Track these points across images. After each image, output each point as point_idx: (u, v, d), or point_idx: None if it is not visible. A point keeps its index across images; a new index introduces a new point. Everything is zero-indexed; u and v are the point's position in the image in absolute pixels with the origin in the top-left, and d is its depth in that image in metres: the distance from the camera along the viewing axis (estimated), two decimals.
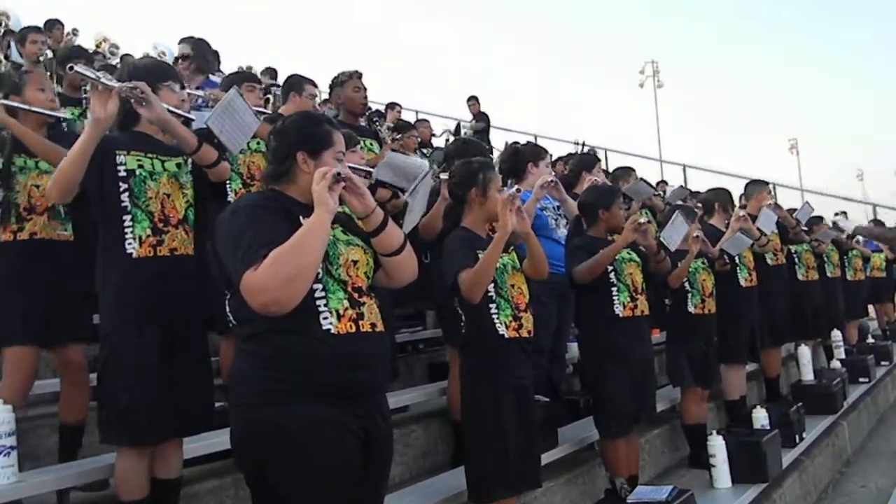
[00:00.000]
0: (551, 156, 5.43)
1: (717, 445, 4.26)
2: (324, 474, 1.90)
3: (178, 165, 2.66)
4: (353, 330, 1.95)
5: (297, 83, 4.28)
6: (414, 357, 5.20)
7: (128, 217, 2.50)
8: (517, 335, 2.98)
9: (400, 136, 5.21)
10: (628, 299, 3.75)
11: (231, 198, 3.49)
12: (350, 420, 1.93)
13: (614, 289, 3.73)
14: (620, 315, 3.72)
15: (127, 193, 2.50)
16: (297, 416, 1.88)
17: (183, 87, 2.82)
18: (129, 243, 2.49)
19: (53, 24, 7.86)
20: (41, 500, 2.78)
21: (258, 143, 3.69)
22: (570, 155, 7.37)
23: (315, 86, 4.52)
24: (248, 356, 1.97)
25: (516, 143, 4.97)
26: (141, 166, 2.55)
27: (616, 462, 3.74)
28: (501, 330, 2.94)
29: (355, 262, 2.03)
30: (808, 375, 6.32)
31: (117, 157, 2.52)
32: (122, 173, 2.51)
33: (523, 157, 4.38)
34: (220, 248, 1.94)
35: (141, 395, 2.41)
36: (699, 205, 5.57)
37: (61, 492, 2.71)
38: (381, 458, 2.07)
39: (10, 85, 3.20)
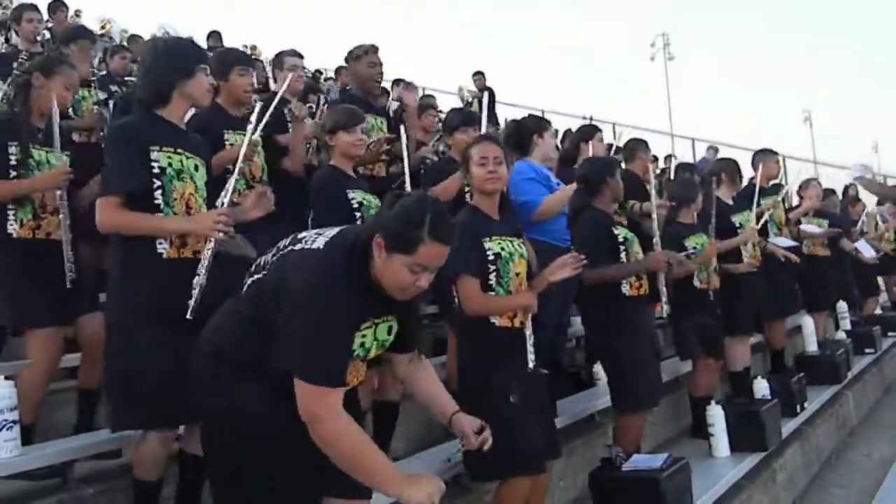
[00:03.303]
0: (557, 130, 5.44)
1: (716, 415, 4.31)
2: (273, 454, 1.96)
3: (196, 167, 2.58)
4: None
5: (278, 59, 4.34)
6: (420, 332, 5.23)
7: (160, 216, 2.46)
8: (510, 324, 2.93)
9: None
10: (634, 278, 3.79)
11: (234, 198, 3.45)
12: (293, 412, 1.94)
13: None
14: (626, 294, 3.77)
15: (160, 191, 2.46)
16: (244, 400, 1.96)
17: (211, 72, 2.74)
18: (161, 243, 2.45)
19: (57, 7, 7.89)
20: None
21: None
22: (568, 131, 7.35)
23: (300, 56, 4.51)
24: (220, 336, 2.06)
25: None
26: (170, 164, 2.49)
27: (636, 436, 3.78)
28: (493, 318, 2.91)
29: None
30: (811, 346, 6.35)
31: (151, 152, 2.46)
32: (156, 170, 2.46)
33: (527, 129, 4.36)
34: (295, 317, 1.88)
35: (159, 382, 2.38)
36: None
37: (65, 463, 2.77)
38: None
39: (42, 64, 3.19)
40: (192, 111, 2.91)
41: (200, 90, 2.60)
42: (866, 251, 7.51)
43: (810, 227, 6.51)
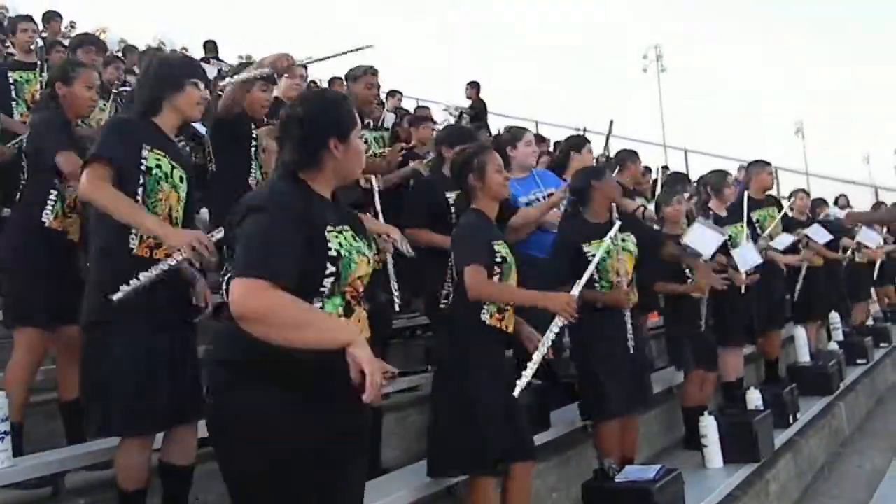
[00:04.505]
0: (544, 137, 5.44)
1: (709, 426, 4.32)
2: (289, 469, 1.89)
3: (182, 178, 2.64)
4: None
5: None
6: (410, 343, 5.26)
7: (143, 208, 2.49)
8: (499, 325, 3.03)
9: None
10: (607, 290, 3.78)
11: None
12: (321, 419, 1.90)
13: (596, 285, 3.75)
14: (597, 306, 3.74)
15: (142, 188, 2.51)
16: (267, 408, 1.88)
17: (206, 86, 2.80)
18: (132, 239, 2.49)
19: (52, 17, 7.93)
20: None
21: None
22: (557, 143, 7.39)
23: (302, 66, 4.51)
24: (231, 340, 1.91)
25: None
26: (158, 166, 2.55)
27: (612, 445, 3.76)
28: (485, 317, 2.99)
29: (360, 277, 2.03)
30: (804, 357, 6.36)
31: (143, 150, 2.52)
32: (143, 168, 2.51)
33: (503, 143, 4.40)
34: (238, 242, 1.90)
35: (134, 386, 2.40)
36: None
37: (55, 474, 2.77)
38: (357, 453, 2.08)
39: (60, 73, 3.31)
40: None
41: (190, 104, 2.66)
42: (870, 239, 7.32)
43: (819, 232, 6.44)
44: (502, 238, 3.11)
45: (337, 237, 1.96)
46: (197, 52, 10.49)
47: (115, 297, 2.33)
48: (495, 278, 2.97)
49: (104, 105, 5.00)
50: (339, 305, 1.97)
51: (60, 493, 2.77)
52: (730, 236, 5.16)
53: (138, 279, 2.37)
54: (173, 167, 2.60)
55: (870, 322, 8.66)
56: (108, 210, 2.44)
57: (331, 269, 1.92)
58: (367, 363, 1.77)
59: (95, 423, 2.47)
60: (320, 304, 1.93)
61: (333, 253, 1.93)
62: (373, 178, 3.96)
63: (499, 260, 3.00)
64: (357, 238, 2.04)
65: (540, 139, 6.42)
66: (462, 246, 3.03)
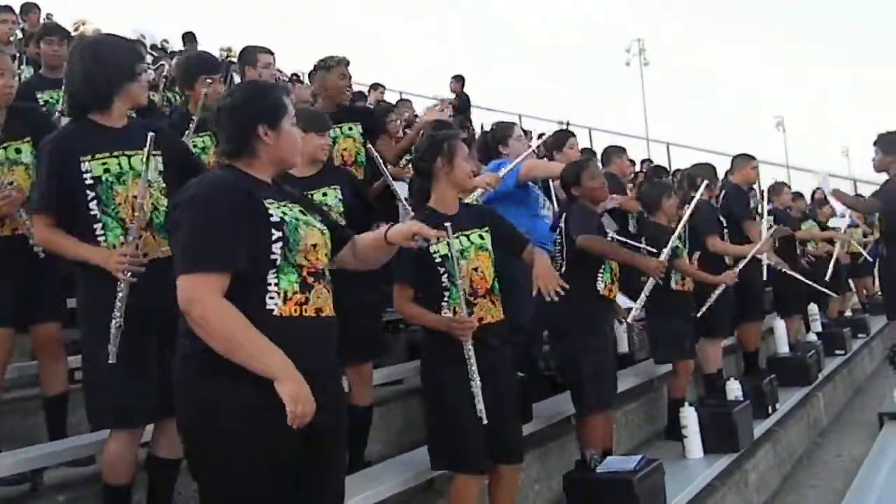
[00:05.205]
0: (530, 132, 5.42)
1: (689, 416, 4.36)
2: (252, 458, 1.88)
3: (143, 160, 2.45)
4: (297, 314, 1.94)
5: (250, 55, 4.19)
6: (393, 336, 5.24)
7: (98, 226, 2.42)
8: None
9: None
10: (609, 280, 3.83)
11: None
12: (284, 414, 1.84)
13: (602, 267, 3.81)
14: (601, 292, 3.80)
15: (95, 202, 2.42)
16: (229, 397, 1.87)
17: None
18: (106, 249, 2.42)
19: (30, 9, 7.82)
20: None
21: None
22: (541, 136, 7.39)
23: (271, 53, 4.41)
24: (189, 331, 1.91)
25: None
26: (107, 170, 2.43)
27: (601, 438, 3.81)
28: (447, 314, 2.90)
29: (314, 246, 2.01)
30: (783, 348, 6.43)
31: (82, 164, 2.41)
32: (89, 181, 2.41)
33: (492, 142, 4.39)
34: (178, 229, 1.94)
35: (124, 381, 2.38)
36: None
37: (35, 471, 2.75)
38: (322, 447, 2.01)
39: None
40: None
41: (142, 91, 2.60)
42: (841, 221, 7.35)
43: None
44: (456, 227, 2.86)
45: (279, 208, 1.98)
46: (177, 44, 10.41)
47: (111, 359, 2.35)
48: (443, 277, 2.88)
49: None
50: (295, 282, 1.96)
51: (39, 489, 2.75)
52: None
53: (112, 331, 2.36)
54: (129, 157, 2.47)
55: (848, 313, 8.76)
56: (56, 251, 2.54)
57: (276, 234, 1.94)
58: (290, 401, 1.83)
59: (91, 417, 2.52)
60: (275, 279, 1.93)
61: (276, 219, 1.95)
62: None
63: (438, 260, 2.87)
64: (305, 213, 2.07)
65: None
66: (396, 257, 2.93)
